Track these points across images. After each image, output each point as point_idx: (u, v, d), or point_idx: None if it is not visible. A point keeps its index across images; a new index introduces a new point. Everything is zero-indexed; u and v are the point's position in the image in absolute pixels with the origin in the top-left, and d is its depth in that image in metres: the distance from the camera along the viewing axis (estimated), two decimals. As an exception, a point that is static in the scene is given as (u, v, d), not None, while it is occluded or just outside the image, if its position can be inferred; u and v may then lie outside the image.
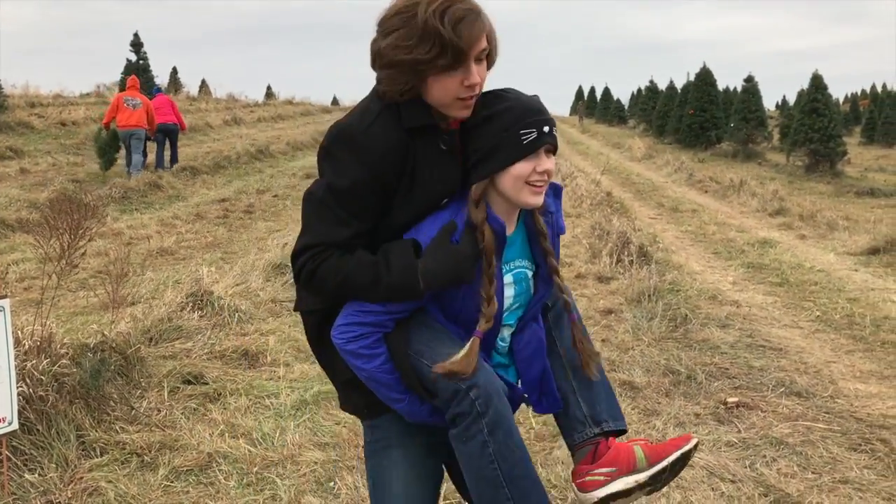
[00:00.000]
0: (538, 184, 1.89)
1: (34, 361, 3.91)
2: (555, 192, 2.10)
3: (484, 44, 1.84)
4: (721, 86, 33.62)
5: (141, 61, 24.66)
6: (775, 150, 29.18)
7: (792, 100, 52.03)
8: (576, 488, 2.01)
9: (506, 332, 2.05)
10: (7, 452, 3.48)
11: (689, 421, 4.61)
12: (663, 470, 1.95)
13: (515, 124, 1.87)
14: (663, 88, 40.27)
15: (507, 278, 1.98)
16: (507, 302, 1.99)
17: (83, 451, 3.84)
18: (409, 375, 1.88)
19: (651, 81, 44.73)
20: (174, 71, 49.62)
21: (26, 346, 3.98)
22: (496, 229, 1.88)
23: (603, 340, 6.10)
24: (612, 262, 8.60)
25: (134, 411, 4.30)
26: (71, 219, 4.43)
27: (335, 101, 60.22)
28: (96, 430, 3.95)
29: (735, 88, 37.55)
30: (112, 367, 4.36)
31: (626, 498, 1.96)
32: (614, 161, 24.97)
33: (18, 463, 3.59)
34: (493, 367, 1.97)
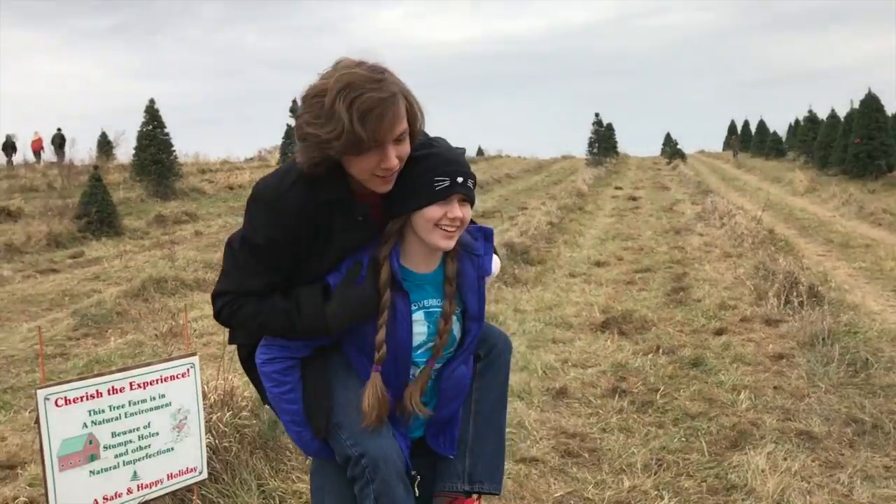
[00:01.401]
0: (448, 229, 2.01)
1: (219, 414, 4.19)
2: (485, 235, 2.22)
3: (400, 129, 1.88)
4: (890, 111, 31.48)
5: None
6: (956, 175, 26.90)
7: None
8: None
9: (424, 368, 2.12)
10: (198, 500, 3.72)
11: (878, 475, 4.28)
12: None
13: (431, 171, 1.99)
14: (824, 118, 38.23)
15: (417, 315, 2.06)
16: (418, 339, 2.07)
17: (264, 499, 4.04)
18: (319, 416, 2.02)
19: (810, 111, 42.60)
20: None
21: (212, 400, 4.26)
22: (393, 267, 2.02)
23: (775, 388, 5.79)
24: (779, 303, 8.18)
25: (307, 461, 4.48)
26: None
27: (480, 152, 61.16)
28: (275, 480, 4.15)
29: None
30: (287, 418, 4.57)
31: None
32: (774, 196, 23.85)
33: (207, 510, 3.82)
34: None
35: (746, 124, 67.00)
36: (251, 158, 38.59)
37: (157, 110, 23.26)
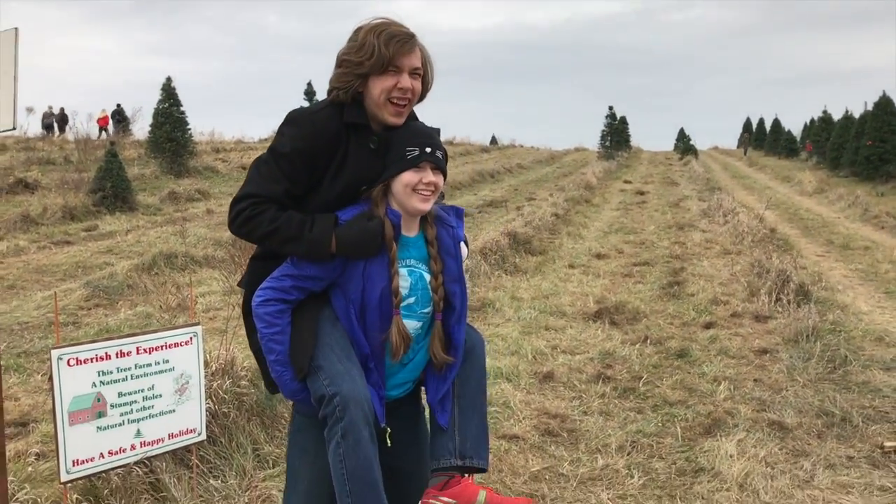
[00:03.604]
0: (424, 192, 2.32)
1: (219, 382, 4.46)
2: (457, 213, 2.55)
3: (416, 63, 2.33)
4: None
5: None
6: (967, 181, 26.85)
7: None
8: None
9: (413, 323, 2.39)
10: (196, 460, 3.99)
11: (840, 463, 4.51)
12: None
13: (404, 143, 2.33)
14: (838, 119, 38.15)
15: (402, 272, 2.34)
16: (402, 292, 2.34)
17: (258, 462, 4.31)
18: (303, 357, 2.25)
19: (824, 111, 42.46)
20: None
21: (213, 368, 4.53)
22: (393, 221, 2.31)
23: (755, 380, 6.02)
24: (770, 300, 8.38)
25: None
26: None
27: (493, 141, 61.10)
28: (270, 445, 4.43)
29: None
30: (284, 389, 4.84)
31: None
32: (782, 196, 23.95)
33: (205, 470, 4.10)
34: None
35: (762, 122, 66.69)
36: (265, 139, 38.84)
37: (173, 88, 23.52)
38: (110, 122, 33.19)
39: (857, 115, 34.23)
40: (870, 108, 30.70)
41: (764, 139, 60.30)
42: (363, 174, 2.34)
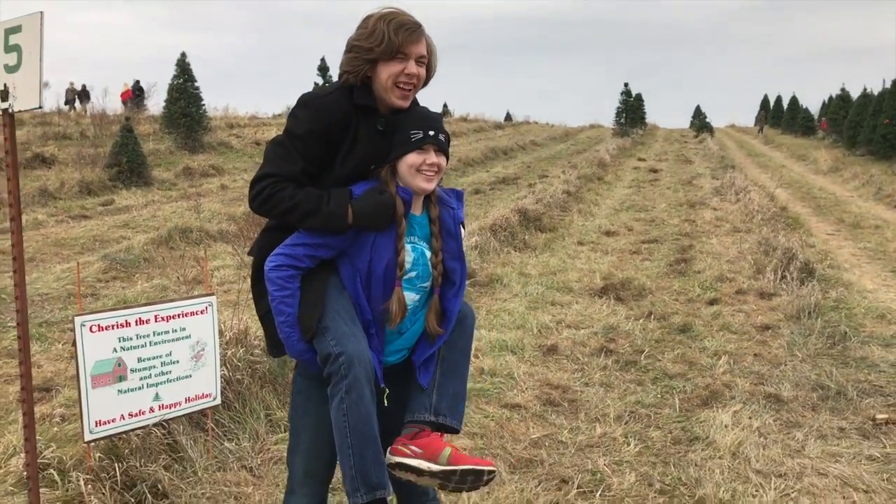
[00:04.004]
0: (428, 173, 2.46)
1: (233, 350, 4.65)
2: (457, 196, 2.68)
3: (422, 51, 2.48)
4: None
5: (326, 84, 26.42)
6: (984, 161, 26.63)
7: None
8: (388, 451, 2.44)
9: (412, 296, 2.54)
10: (211, 423, 4.19)
11: (831, 434, 4.66)
12: (454, 472, 2.37)
13: (408, 126, 2.48)
14: (856, 96, 37.83)
15: (406, 247, 2.50)
16: (406, 266, 2.50)
17: (270, 426, 4.52)
18: (311, 318, 2.40)
19: (843, 89, 42.08)
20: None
21: (227, 337, 4.72)
22: (404, 198, 2.47)
23: (755, 355, 6.16)
24: (775, 278, 8.49)
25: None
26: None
27: (508, 117, 60.92)
28: (281, 411, 4.62)
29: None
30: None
31: (416, 476, 2.40)
32: (796, 174, 23.90)
33: (219, 433, 4.31)
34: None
35: (779, 100, 66.20)
36: (279, 115, 38.96)
37: (188, 64, 23.66)
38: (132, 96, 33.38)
39: (875, 92, 33.96)
40: (888, 85, 30.45)
41: (781, 117, 59.84)
42: (372, 153, 2.50)
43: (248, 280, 2.69)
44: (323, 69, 26.48)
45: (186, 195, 15.84)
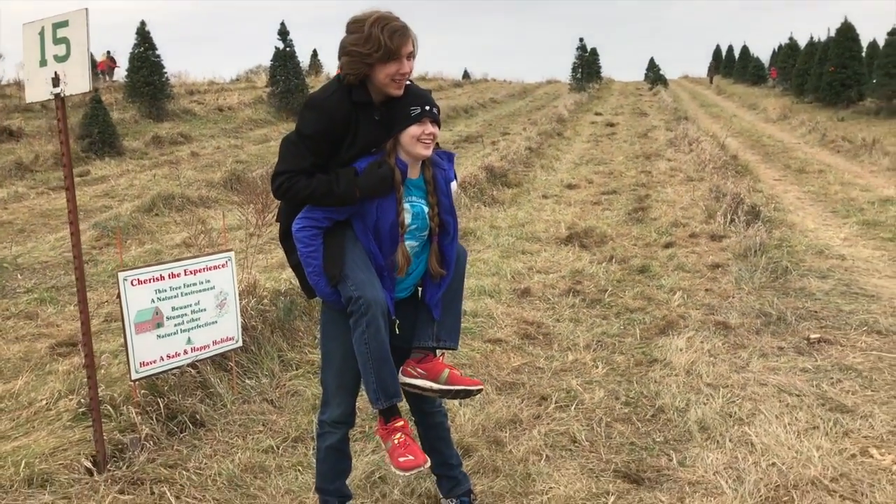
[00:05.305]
0: (426, 141, 2.94)
1: (246, 300, 5.22)
2: (449, 158, 3.21)
3: (411, 48, 2.88)
4: (867, 39, 32.15)
5: (287, 48, 26.51)
6: (925, 105, 27.77)
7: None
8: (399, 371, 3.10)
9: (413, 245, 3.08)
10: (234, 364, 4.77)
11: (771, 353, 5.38)
12: (449, 391, 3.09)
13: (408, 104, 2.94)
14: (804, 45, 38.81)
15: (406, 206, 3.05)
16: (407, 224, 3.05)
17: (283, 365, 5.12)
18: (334, 268, 2.96)
19: (791, 38, 43.10)
20: (314, 53, 52.11)
21: (239, 289, 5.28)
22: (401, 168, 2.96)
23: (706, 290, 6.87)
24: (725, 222, 9.23)
25: (316, 340, 5.54)
26: (257, 195, 5.72)
27: (466, 75, 60.98)
28: (291, 352, 5.22)
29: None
30: (298, 307, 5.62)
31: (421, 392, 3.11)
32: (747, 123, 24.76)
33: (240, 372, 4.89)
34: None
35: (731, 49, 67.24)
36: (237, 80, 38.81)
37: (148, 32, 23.59)
38: (116, 65, 32.92)
39: (822, 40, 34.92)
40: (832, 34, 31.39)
41: (733, 66, 60.85)
42: (371, 140, 3.00)
43: (252, 239, 3.25)
44: (283, 33, 26.53)
45: (159, 163, 16.14)
